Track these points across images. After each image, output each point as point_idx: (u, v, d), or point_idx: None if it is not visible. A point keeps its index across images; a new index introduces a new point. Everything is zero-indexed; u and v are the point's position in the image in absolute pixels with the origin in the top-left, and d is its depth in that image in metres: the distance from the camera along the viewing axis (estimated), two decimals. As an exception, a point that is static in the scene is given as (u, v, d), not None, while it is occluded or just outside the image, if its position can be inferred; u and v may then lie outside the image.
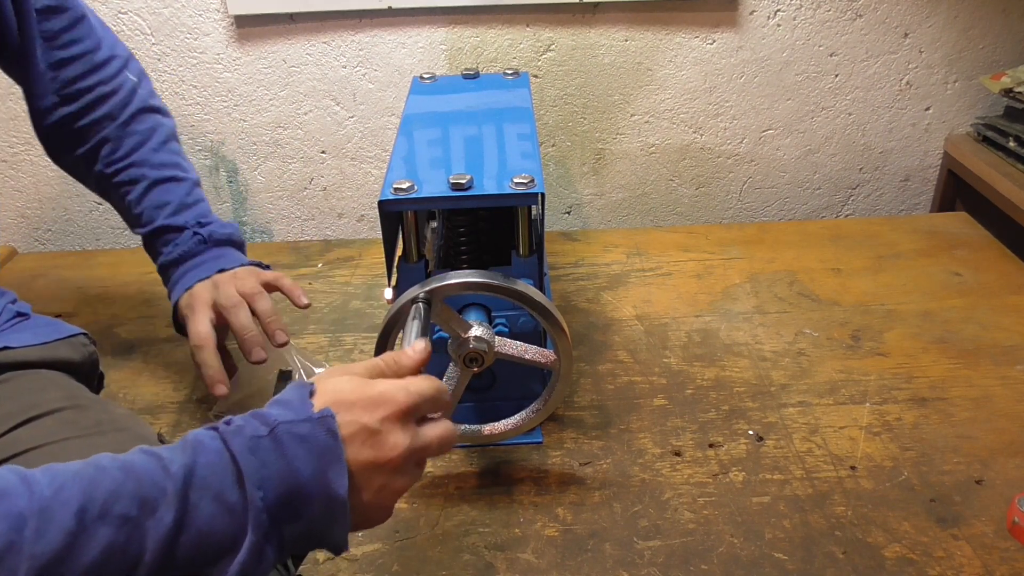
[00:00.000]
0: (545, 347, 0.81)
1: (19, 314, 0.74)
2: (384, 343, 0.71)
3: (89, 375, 0.76)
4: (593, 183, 1.40)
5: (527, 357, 0.73)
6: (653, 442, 0.83)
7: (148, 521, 0.41)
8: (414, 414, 0.51)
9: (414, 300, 0.67)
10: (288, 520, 0.45)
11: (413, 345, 0.56)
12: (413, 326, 0.64)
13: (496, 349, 0.71)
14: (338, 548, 0.48)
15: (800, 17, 1.27)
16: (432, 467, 0.80)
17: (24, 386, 0.68)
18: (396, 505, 0.75)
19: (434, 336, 0.76)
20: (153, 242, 0.85)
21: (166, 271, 0.85)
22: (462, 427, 0.78)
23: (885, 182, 1.43)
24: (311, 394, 0.48)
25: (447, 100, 0.99)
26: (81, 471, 0.41)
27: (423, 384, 0.52)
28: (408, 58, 1.28)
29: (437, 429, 0.52)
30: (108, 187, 0.85)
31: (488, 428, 0.78)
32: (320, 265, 1.17)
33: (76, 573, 0.39)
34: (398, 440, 0.49)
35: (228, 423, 0.46)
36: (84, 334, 0.77)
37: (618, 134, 1.36)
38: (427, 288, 0.67)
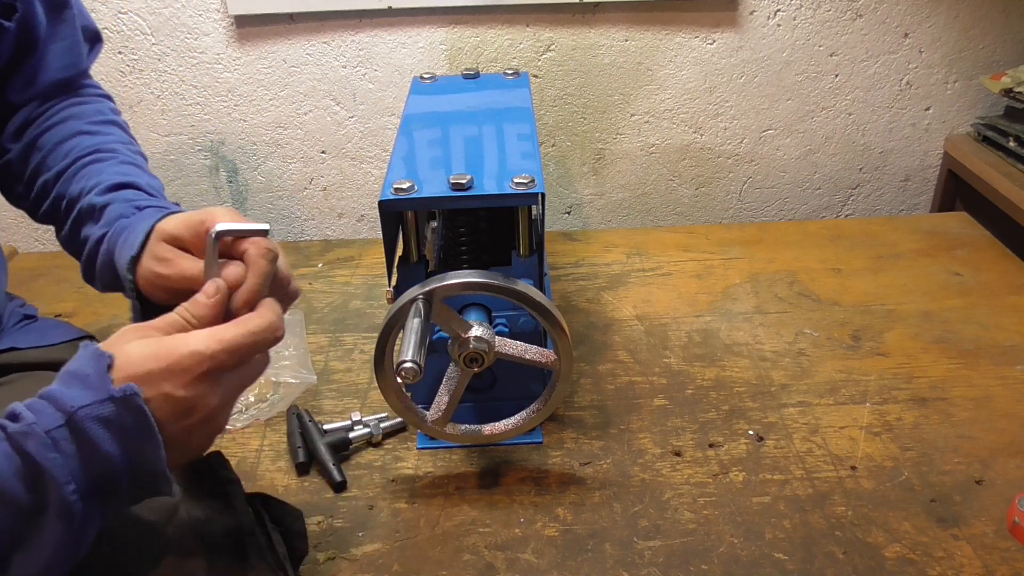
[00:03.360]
0: (545, 347, 0.81)
1: (27, 316, 0.75)
2: (384, 343, 0.71)
3: None
4: (593, 183, 1.40)
5: (527, 357, 0.73)
6: (653, 442, 0.83)
7: None
8: (223, 369, 0.47)
9: (413, 300, 0.67)
10: (107, 496, 0.44)
11: (205, 288, 0.50)
12: (413, 325, 0.64)
13: (496, 349, 0.71)
14: (164, 494, 0.47)
15: (800, 17, 1.27)
16: (432, 467, 0.80)
17: (28, 388, 0.68)
18: (396, 505, 0.76)
19: (434, 336, 0.76)
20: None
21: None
22: (462, 427, 0.78)
23: (885, 182, 1.43)
24: (109, 367, 0.44)
25: (447, 100, 0.99)
26: None
27: (229, 333, 0.47)
28: (408, 58, 1.28)
29: (249, 369, 0.50)
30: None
31: (488, 428, 0.78)
32: (320, 265, 1.17)
33: None
34: (209, 401, 0.46)
35: (15, 417, 0.43)
36: (90, 337, 0.77)
37: (618, 134, 1.36)
38: (427, 288, 0.67)
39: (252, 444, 0.84)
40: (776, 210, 1.45)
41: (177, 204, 0.66)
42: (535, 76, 1.30)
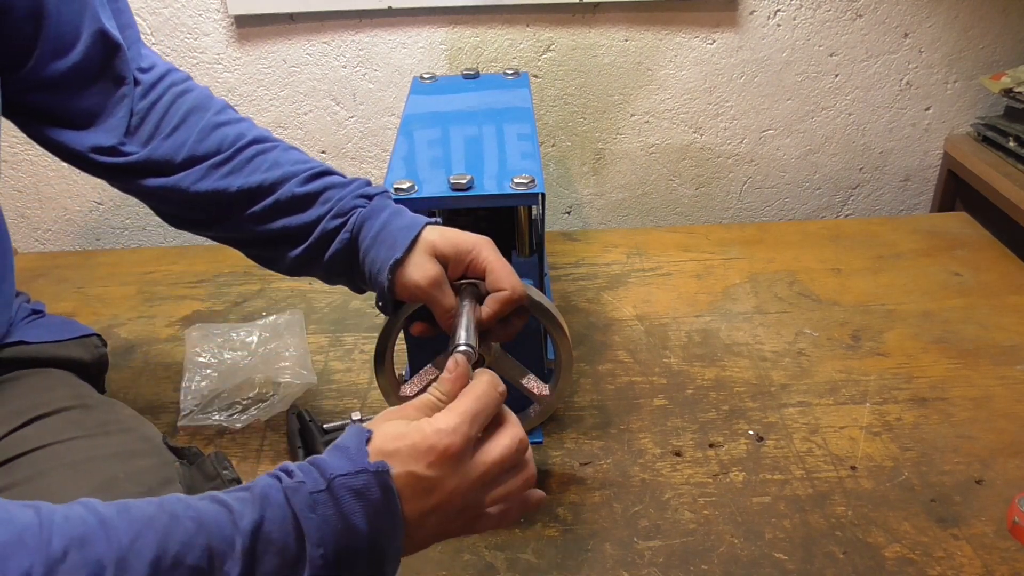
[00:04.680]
0: (546, 347, 0.81)
1: (34, 311, 0.75)
2: (384, 343, 0.71)
3: (97, 376, 0.77)
4: (593, 183, 1.40)
5: (520, 381, 0.72)
6: (653, 442, 0.83)
7: (217, 574, 0.41)
8: (466, 446, 0.49)
9: (465, 285, 0.65)
10: (344, 571, 0.45)
11: (448, 366, 0.53)
12: (465, 308, 0.63)
13: (496, 357, 0.71)
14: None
15: (800, 17, 1.27)
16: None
17: (33, 384, 0.68)
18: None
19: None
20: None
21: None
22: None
23: (885, 182, 1.43)
24: (367, 440, 0.47)
25: (447, 100, 0.99)
26: (155, 518, 0.42)
27: (461, 404, 0.50)
28: (408, 58, 1.28)
29: (498, 448, 0.50)
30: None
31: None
32: (320, 265, 1.17)
33: None
34: (451, 483, 0.48)
35: (289, 473, 0.46)
36: (96, 335, 0.77)
37: (618, 134, 1.36)
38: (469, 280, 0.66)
39: (252, 444, 0.84)
40: (776, 210, 1.45)
41: (387, 189, 0.70)
42: (535, 76, 1.30)
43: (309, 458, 0.47)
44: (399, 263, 0.63)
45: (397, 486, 0.46)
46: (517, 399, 0.79)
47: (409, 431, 0.48)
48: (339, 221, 0.67)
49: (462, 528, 0.50)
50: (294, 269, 0.71)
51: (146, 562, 0.39)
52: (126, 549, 0.39)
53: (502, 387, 0.53)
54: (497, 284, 0.63)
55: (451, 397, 0.51)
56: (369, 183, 0.70)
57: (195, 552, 0.41)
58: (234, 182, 0.68)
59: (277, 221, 0.68)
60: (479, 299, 0.65)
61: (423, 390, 0.74)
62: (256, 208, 0.68)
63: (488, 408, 0.51)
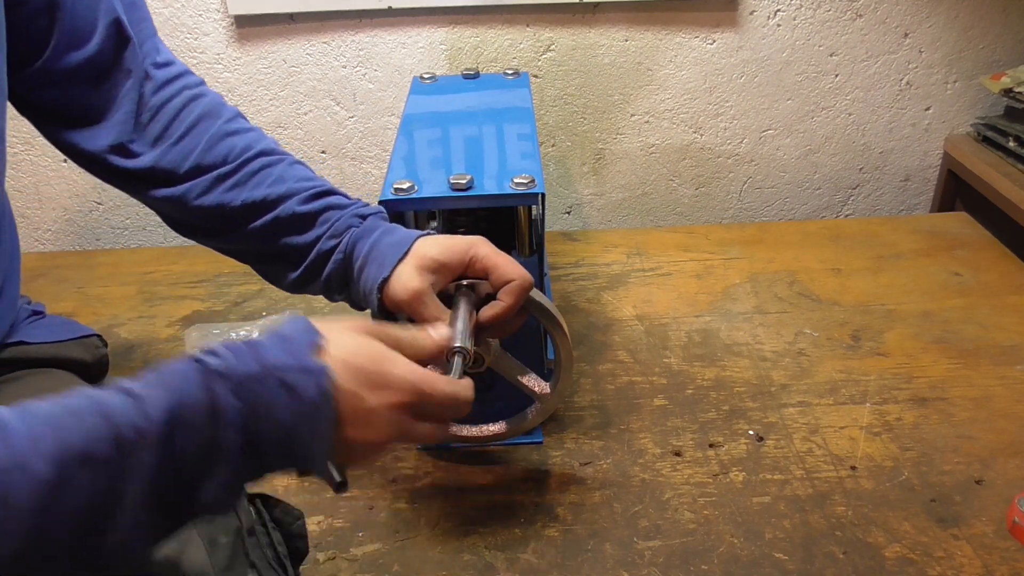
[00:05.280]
0: (546, 347, 0.81)
1: (35, 312, 0.75)
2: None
3: (98, 376, 0.77)
4: (593, 183, 1.40)
5: (520, 380, 0.73)
6: (653, 442, 0.83)
7: (130, 463, 0.40)
8: (415, 410, 0.50)
9: (459, 287, 0.66)
10: (265, 456, 0.45)
11: (437, 328, 0.54)
12: (462, 310, 0.64)
13: (495, 357, 0.71)
14: (323, 479, 0.48)
15: (800, 17, 1.27)
16: (432, 467, 0.80)
17: (35, 384, 0.68)
18: (396, 505, 0.76)
19: None
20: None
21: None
22: (462, 427, 0.78)
23: (885, 182, 1.43)
24: (316, 343, 0.47)
25: (447, 100, 0.99)
26: (56, 416, 0.40)
27: (442, 388, 0.50)
28: (408, 58, 1.28)
29: (426, 429, 0.52)
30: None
31: (488, 428, 0.78)
32: (320, 265, 1.17)
33: (62, 520, 0.39)
34: (387, 430, 0.48)
35: (215, 353, 0.45)
36: (97, 335, 0.77)
37: (618, 134, 1.36)
38: (467, 280, 0.67)
39: (252, 444, 0.84)
40: (776, 210, 1.45)
41: (383, 209, 0.71)
42: (535, 76, 1.30)
43: (246, 340, 0.46)
44: (386, 281, 0.64)
45: (340, 402, 0.46)
46: (517, 398, 0.79)
47: (374, 355, 0.48)
48: (334, 242, 0.68)
49: (374, 455, 0.51)
50: (294, 287, 0.72)
51: (49, 461, 0.38)
52: (26, 450, 0.38)
53: (468, 411, 0.55)
54: (504, 277, 0.64)
55: (416, 356, 0.52)
56: (367, 204, 0.70)
57: (102, 445, 0.40)
58: (238, 196, 0.68)
59: (277, 238, 0.69)
60: (476, 300, 0.65)
61: None
62: (257, 223, 0.68)
63: (446, 409, 0.52)
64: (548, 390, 0.73)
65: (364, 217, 0.69)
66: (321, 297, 0.73)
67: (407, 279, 0.63)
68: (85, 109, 0.66)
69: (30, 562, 0.38)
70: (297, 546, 0.64)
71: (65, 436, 0.39)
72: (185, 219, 0.71)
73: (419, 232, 0.67)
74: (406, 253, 0.64)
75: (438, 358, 0.55)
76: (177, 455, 0.42)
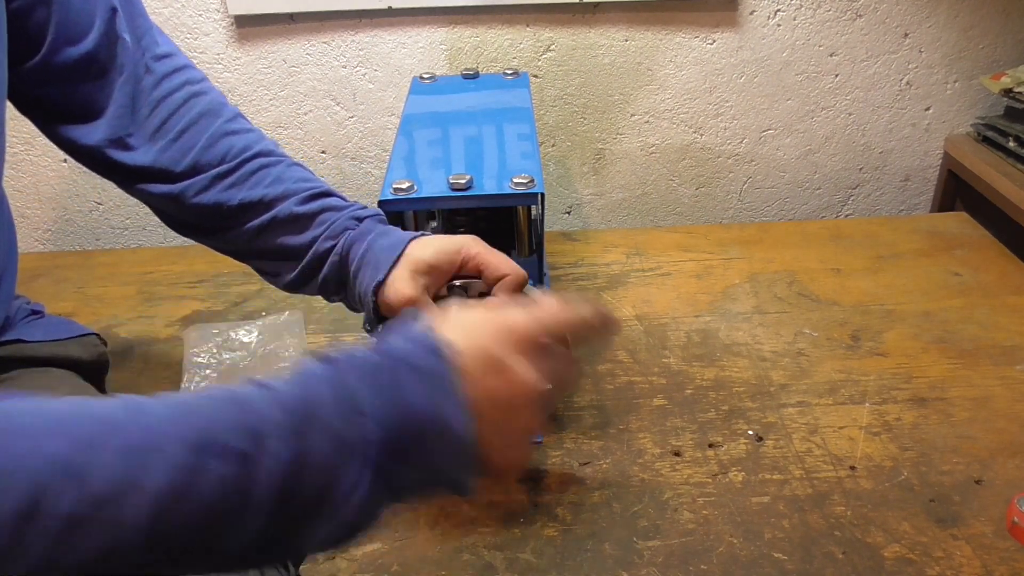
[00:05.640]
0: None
1: (34, 312, 0.75)
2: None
3: (98, 375, 0.77)
4: (593, 183, 1.40)
5: None
6: (653, 442, 0.83)
7: (263, 457, 0.38)
8: (544, 346, 0.46)
9: (452, 287, 0.66)
10: (402, 455, 0.42)
11: (543, 298, 0.51)
12: (453, 303, 0.64)
13: None
14: (462, 490, 0.44)
15: (800, 17, 1.27)
16: (432, 467, 0.80)
17: (34, 383, 0.68)
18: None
19: None
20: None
21: None
22: None
23: (885, 182, 1.43)
24: (429, 324, 0.45)
25: (447, 100, 0.99)
26: (192, 403, 0.39)
27: (551, 309, 0.48)
28: (408, 58, 1.28)
29: (560, 366, 0.48)
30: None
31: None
32: (320, 265, 1.17)
33: (194, 509, 0.37)
34: (525, 374, 0.45)
35: (338, 351, 0.43)
36: (95, 335, 0.77)
37: (618, 134, 1.36)
38: (459, 281, 0.67)
39: (252, 444, 0.84)
40: (776, 210, 1.45)
41: (380, 212, 0.71)
42: (535, 76, 1.30)
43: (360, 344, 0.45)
44: (380, 284, 0.63)
45: (465, 360, 0.43)
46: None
47: (483, 314, 0.46)
48: (331, 243, 0.68)
49: (527, 429, 0.46)
50: (292, 287, 0.72)
51: (185, 447, 0.37)
52: (162, 435, 0.37)
53: (612, 324, 0.51)
54: (498, 273, 0.64)
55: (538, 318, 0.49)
56: (364, 207, 0.70)
57: (236, 434, 0.38)
58: (236, 195, 0.68)
59: (275, 238, 0.69)
60: (467, 300, 0.65)
61: None
62: (255, 223, 0.68)
63: (566, 325, 0.49)
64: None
65: (361, 219, 0.69)
66: (320, 297, 0.73)
67: (401, 286, 0.63)
68: (84, 104, 0.66)
69: (153, 553, 0.37)
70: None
71: (202, 423, 0.38)
72: (183, 217, 0.71)
73: (413, 234, 0.67)
74: (399, 257, 0.64)
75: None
76: (313, 450, 0.39)
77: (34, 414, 0.37)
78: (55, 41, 0.63)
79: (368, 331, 0.69)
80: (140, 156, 0.67)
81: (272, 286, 0.74)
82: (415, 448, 0.42)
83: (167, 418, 0.38)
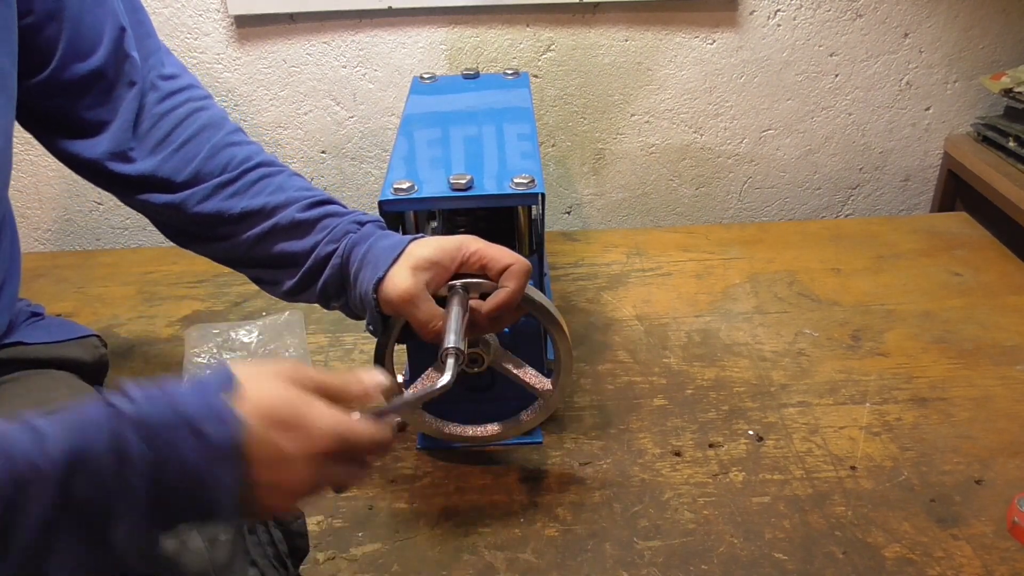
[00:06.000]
0: (546, 347, 0.81)
1: (34, 314, 0.75)
2: (384, 343, 0.71)
3: (98, 376, 0.77)
4: (593, 183, 1.40)
5: (522, 378, 0.73)
6: (653, 442, 0.83)
7: (26, 502, 0.40)
8: (334, 457, 0.48)
9: (452, 288, 0.66)
10: (171, 507, 0.44)
11: (370, 373, 0.53)
12: (455, 312, 0.64)
13: (494, 357, 0.71)
14: (228, 522, 0.48)
15: (800, 17, 1.27)
16: (432, 467, 0.80)
17: (34, 384, 0.69)
18: (396, 505, 0.75)
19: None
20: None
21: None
22: (462, 427, 0.78)
23: (885, 182, 1.43)
24: (232, 389, 0.46)
25: (447, 100, 0.99)
26: None
27: (364, 434, 0.49)
28: (408, 58, 1.28)
29: (348, 472, 0.50)
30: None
31: (488, 428, 0.78)
32: (320, 265, 1.17)
33: None
34: (303, 476, 0.47)
35: (129, 397, 0.44)
36: (96, 336, 0.77)
37: (618, 134, 1.36)
38: (459, 281, 0.67)
39: (252, 444, 0.84)
40: (776, 210, 1.45)
41: (381, 219, 0.71)
42: (535, 76, 1.30)
43: (160, 383, 0.46)
44: (380, 282, 0.64)
45: (253, 449, 0.45)
46: (517, 398, 0.79)
47: (290, 400, 0.47)
48: (332, 247, 0.68)
49: (291, 502, 0.49)
50: (291, 294, 0.72)
51: None
52: None
53: (389, 449, 0.56)
54: (501, 264, 0.64)
55: (344, 398, 0.50)
56: (365, 213, 0.71)
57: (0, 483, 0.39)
58: (238, 203, 0.68)
59: (275, 244, 0.69)
60: (468, 301, 0.66)
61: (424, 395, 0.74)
62: (256, 230, 0.69)
63: (366, 449, 0.51)
64: (550, 386, 0.73)
65: (362, 224, 0.69)
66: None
67: (399, 280, 0.63)
68: (89, 119, 0.67)
69: None
70: (297, 544, 0.64)
71: None
72: (183, 226, 0.71)
73: (413, 236, 0.67)
74: (400, 255, 0.64)
75: (367, 400, 0.53)
76: (78, 497, 0.41)
77: None
78: (64, 56, 0.63)
79: (371, 332, 0.69)
80: (141, 166, 0.68)
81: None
82: (183, 500, 0.44)
83: None
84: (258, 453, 0.45)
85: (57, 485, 0.40)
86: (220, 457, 0.44)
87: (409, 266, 0.64)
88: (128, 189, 0.69)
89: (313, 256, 0.68)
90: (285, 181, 0.70)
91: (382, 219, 0.72)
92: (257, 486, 0.46)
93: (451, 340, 0.61)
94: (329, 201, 0.71)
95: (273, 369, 0.49)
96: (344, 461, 0.50)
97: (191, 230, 0.71)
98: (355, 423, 0.49)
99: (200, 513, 0.46)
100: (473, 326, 0.66)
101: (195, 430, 0.44)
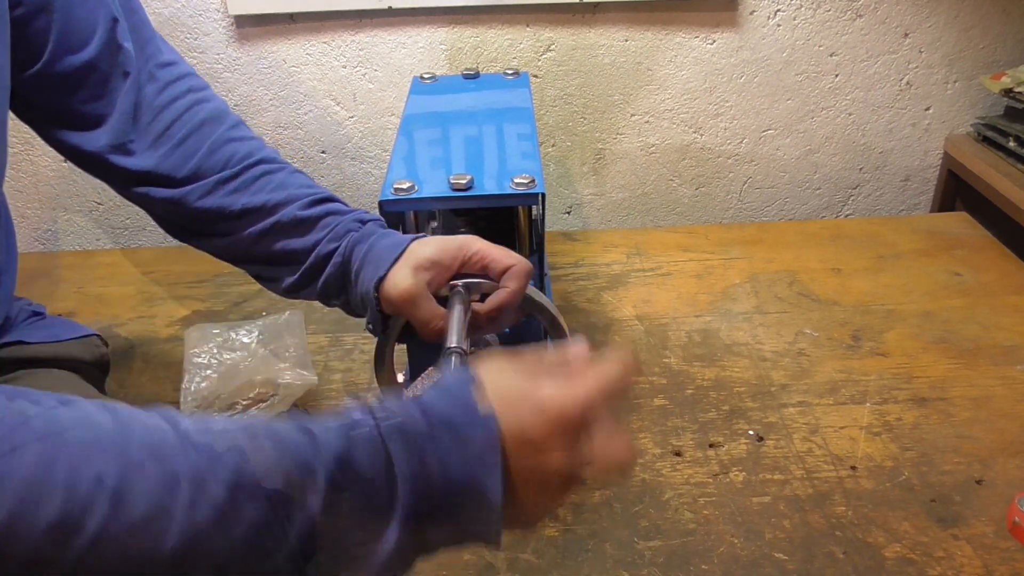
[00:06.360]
0: (546, 347, 0.81)
1: (35, 313, 0.75)
2: (385, 343, 0.71)
3: (99, 376, 0.77)
4: (593, 183, 1.40)
5: None
6: (653, 442, 0.83)
7: (295, 504, 0.39)
8: (583, 426, 0.45)
9: (454, 288, 0.66)
10: (435, 520, 0.42)
11: (576, 348, 0.50)
12: (456, 312, 0.64)
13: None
14: (491, 543, 0.44)
15: (800, 17, 1.27)
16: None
17: (35, 384, 0.69)
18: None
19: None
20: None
21: None
22: None
23: (885, 182, 1.43)
24: (474, 387, 0.44)
25: (447, 100, 0.99)
26: (236, 438, 0.39)
27: (596, 380, 0.46)
28: (408, 58, 1.28)
29: (606, 449, 0.46)
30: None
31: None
32: (320, 265, 1.17)
33: (222, 547, 0.37)
34: (560, 458, 0.44)
35: (384, 407, 0.43)
36: (97, 335, 0.77)
37: (618, 134, 1.36)
38: (461, 281, 0.67)
39: (252, 444, 0.84)
40: (776, 210, 1.45)
41: (382, 218, 0.71)
42: (535, 76, 1.30)
43: (410, 397, 0.44)
44: (382, 280, 0.64)
45: (505, 439, 0.43)
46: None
47: (525, 384, 0.45)
48: (335, 245, 0.68)
49: (553, 501, 0.46)
50: (291, 291, 0.72)
51: (223, 485, 0.37)
52: (204, 468, 0.37)
53: (632, 372, 0.49)
54: (503, 264, 0.64)
55: (571, 369, 0.48)
56: (367, 212, 0.71)
57: (274, 479, 0.38)
58: (239, 200, 0.68)
59: (277, 242, 0.69)
60: (470, 301, 0.66)
61: None
62: (257, 227, 0.69)
63: (613, 392, 0.47)
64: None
65: (363, 222, 0.69)
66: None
67: (400, 279, 0.63)
68: (85, 112, 0.66)
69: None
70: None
71: (242, 463, 0.38)
72: (183, 222, 0.71)
73: (413, 236, 0.67)
74: (401, 254, 0.64)
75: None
76: (343, 505, 0.40)
77: (85, 427, 0.37)
78: (56, 49, 0.63)
79: (371, 331, 0.69)
80: (142, 161, 0.68)
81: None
82: (447, 511, 0.42)
83: (210, 452, 0.38)
84: (513, 447, 0.43)
85: (328, 488, 0.39)
86: (484, 462, 0.42)
87: (410, 265, 0.63)
88: (128, 182, 0.69)
89: (314, 254, 0.68)
90: (287, 178, 0.70)
91: (382, 219, 0.72)
92: (517, 484, 0.44)
93: (453, 340, 0.61)
94: (331, 199, 0.71)
95: (504, 357, 0.47)
96: (598, 428, 0.46)
97: (191, 226, 0.71)
98: (585, 382, 0.46)
99: (460, 527, 0.43)
100: (473, 326, 0.66)
101: (457, 437, 0.42)
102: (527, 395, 0.44)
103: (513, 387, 0.45)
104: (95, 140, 0.66)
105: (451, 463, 0.42)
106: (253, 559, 0.38)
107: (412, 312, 0.64)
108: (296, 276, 0.70)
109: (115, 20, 0.66)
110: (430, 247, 0.65)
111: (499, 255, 0.65)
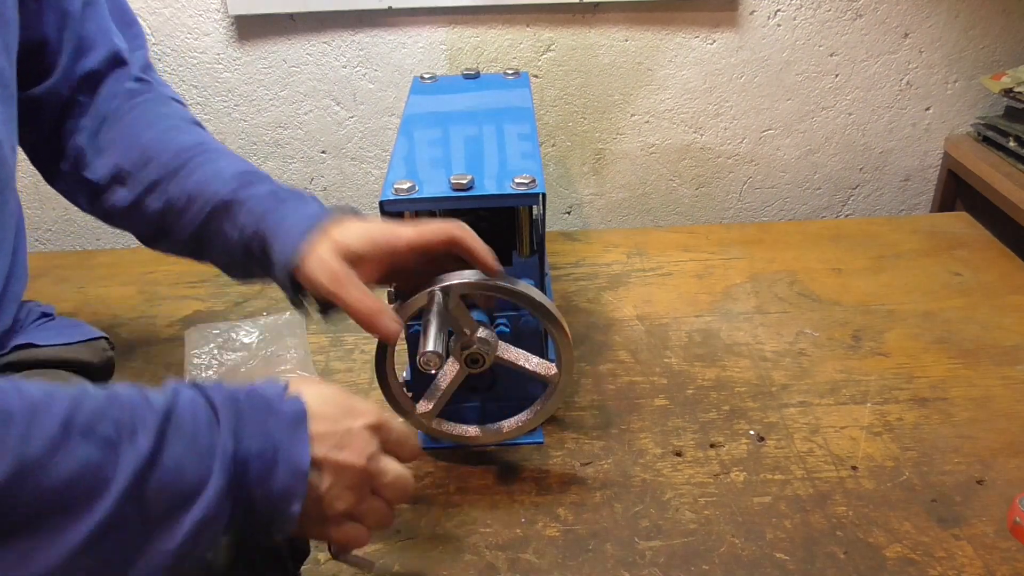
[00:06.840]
0: (547, 348, 0.81)
1: (44, 314, 0.75)
2: (385, 343, 0.71)
3: (105, 379, 0.77)
4: (593, 183, 1.40)
5: (528, 368, 0.73)
6: (654, 442, 0.83)
7: (125, 447, 0.42)
8: (382, 435, 0.54)
9: (431, 293, 0.67)
10: (252, 481, 0.47)
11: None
12: (432, 316, 0.66)
13: (498, 354, 0.71)
14: (283, 531, 0.50)
15: (800, 17, 1.27)
16: (433, 467, 0.80)
17: None
18: (395, 506, 0.75)
19: (411, 330, 0.77)
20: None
21: None
22: (462, 427, 0.78)
23: (885, 182, 1.43)
24: (285, 385, 0.52)
25: (447, 100, 0.99)
26: (68, 389, 0.43)
27: (399, 424, 0.56)
28: (408, 58, 1.28)
29: (396, 466, 0.55)
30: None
31: (488, 428, 0.78)
32: (320, 265, 1.17)
33: (51, 482, 0.40)
34: (363, 447, 0.52)
35: (207, 383, 0.49)
36: (105, 338, 0.78)
37: (618, 134, 1.36)
38: (444, 284, 0.67)
39: (252, 444, 0.84)
40: (776, 210, 1.45)
41: (313, 195, 0.68)
42: (535, 76, 1.30)
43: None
44: (298, 267, 0.62)
45: (312, 429, 0.49)
46: (518, 398, 0.79)
47: (335, 393, 0.53)
48: (253, 228, 0.66)
49: (344, 510, 0.53)
50: (240, 279, 0.73)
51: (57, 420, 0.41)
52: (37, 404, 0.41)
53: (416, 451, 0.59)
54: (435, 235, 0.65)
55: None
56: (306, 196, 0.69)
57: (105, 422, 0.42)
58: (162, 198, 0.69)
59: (211, 231, 0.68)
60: (448, 303, 0.67)
61: (435, 407, 0.74)
62: (188, 220, 0.69)
63: (402, 442, 0.57)
64: (556, 370, 0.73)
65: (283, 200, 0.67)
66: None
67: (330, 263, 0.61)
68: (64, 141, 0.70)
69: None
70: (298, 545, 0.64)
71: (74, 405, 0.42)
72: (141, 227, 0.73)
73: (328, 210, 0.66)
74: (315, 233, 0.62)
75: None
76: (166, 446, 0.44)
77: None
78: (68, 62, 0.70)
79: (293, 303, 0.66)
80: (95, 172, 0.72)
81: (274, 287, 0.74)
82: (265, 475, 0.47)
83: (44, 393, 0.42)
84: (319, 426, 0.50)
85: (156, 432, 0.44)
86: (291, 425, 0.49)
87: (333, 250, 0.61)
88: (94, 196, 0.73)
89: (240, 236, 0.66)
90: (224, 161, 0.70)
91: (312, 195, 0.69)
92: (323, 469, 0.50)
93: (430, 344, 0.64)
94: (254, 173, 0.69)
95: (320, 383, 0.55)
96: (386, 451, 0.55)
97: (147, 231, 0.73)
98: (390, 417, 0.56)
99: (273, 497, 0.48)
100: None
101: (269, 405, 0.49)
102: (338, 399, 0.53)
103: (327, 392, 0.53)
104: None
105: (266, 426, 0.48)
106: (84, 496, 0.41)
107: (339, 296, 0.61)
108: (229, 262, 0.70)
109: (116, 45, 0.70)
110: (354, 237, 0.62)
111: (429, 228, 0.65)
